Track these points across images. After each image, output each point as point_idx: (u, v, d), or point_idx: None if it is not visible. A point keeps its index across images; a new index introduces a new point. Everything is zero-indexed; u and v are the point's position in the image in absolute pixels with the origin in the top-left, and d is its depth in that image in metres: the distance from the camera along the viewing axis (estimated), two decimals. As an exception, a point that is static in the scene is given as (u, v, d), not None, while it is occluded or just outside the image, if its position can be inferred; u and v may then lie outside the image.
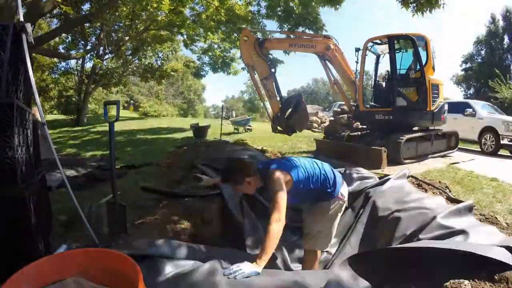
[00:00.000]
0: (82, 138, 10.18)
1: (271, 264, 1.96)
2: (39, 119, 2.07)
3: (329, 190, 2.28)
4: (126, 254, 1.21)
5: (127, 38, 12.63)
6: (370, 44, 6.95)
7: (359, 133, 7.58)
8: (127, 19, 11.92)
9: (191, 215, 3.16)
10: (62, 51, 13.20)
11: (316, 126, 14.33)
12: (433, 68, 6.37)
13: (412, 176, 4.59)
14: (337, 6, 6.98)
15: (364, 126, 7.61)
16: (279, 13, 8.23)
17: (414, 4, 6.21)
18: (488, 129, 8.16)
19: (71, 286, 1.16)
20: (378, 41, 6.91)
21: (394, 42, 6.53)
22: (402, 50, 6.83)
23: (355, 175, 3.99)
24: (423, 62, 6.25)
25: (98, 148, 8.01)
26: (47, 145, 2.23)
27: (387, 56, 6.62)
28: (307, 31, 7.89)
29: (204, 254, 1.87)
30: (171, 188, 4.13)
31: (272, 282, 1.60)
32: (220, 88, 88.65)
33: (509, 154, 8.16)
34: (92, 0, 10.49)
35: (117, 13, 10.68)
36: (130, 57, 15.55)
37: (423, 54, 6.34)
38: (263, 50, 6.47)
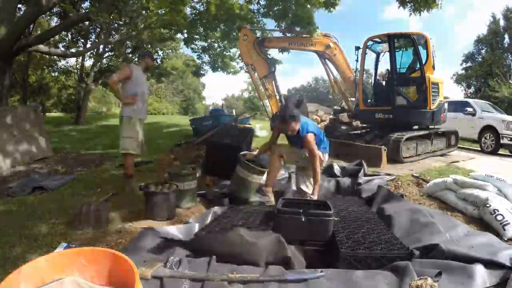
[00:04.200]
0: (82, 136, 10.17)
1: None
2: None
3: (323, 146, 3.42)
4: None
5: (126, 36, 12.59)
6: (370, 42, 6.94)
7: (359, 131, 7.59)
8: (127, 17, 11.89)
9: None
10: (62, 49, 13.19)
11: (316, 124, 14.33)
12: (433, 67, 6.36)
13: (412, 176, 4.61)
14: (331, 9, 6.99)
15: (364, 125, 7.61)
16: (276, 12, 8.22)
17: (412, 4, 6.22)
18: (488, 128, 8.16)
19: (68, 285, 1.16)
20: (378, 40, 6.90)
21: (394, 40, 6.53)
22: (402, 49, 6.83)
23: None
24: (423, 61, 6.24)
25: (99, 146, 8.01)
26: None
27: (387, 54, 6.62)
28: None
29: None
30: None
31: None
32: (220, 87, 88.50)
33: (509, 153, 8.16)
34: (92, -2, 10.46)
35: (116, 11, 10.64)
36: (130, 55, 15.52)
37: (423, 53, 6.33)
38: (262, 49, 6.45)
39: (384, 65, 7.16)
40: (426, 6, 6.29)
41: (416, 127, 6.62)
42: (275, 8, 8.19)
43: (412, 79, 6.36)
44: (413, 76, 6.40)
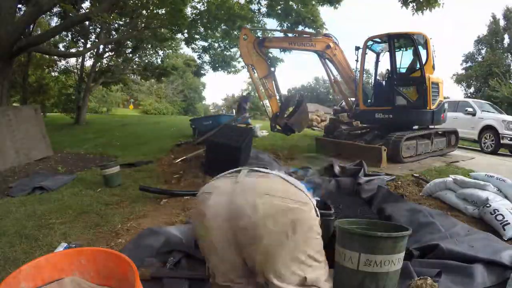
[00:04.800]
0: (82, 136, 10.18)
1: None
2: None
3: None
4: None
5: (126, 36, 12.59)
6: (370, 42, 6.94)
7: (359, 131, 7.59)
8: (127, 16, 11.89)
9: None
10: (62, 49, 13.20)
11: (316, 124, 14.37)
12: (433, 67, 6.36)
13: (413, 176, 4.61)
14: (337, 5, 6.98)
15: (364, 125, 7.61)
16: (279, 11, 8.24)
17: (414, 4, 6.24)
18: (488, 128, 8.15)
19: (68, 285, 1.17)
20: (378, 40, 6.90)
21: (394, 40, 6.52)
22: (402, 49, 6.82)
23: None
24: (423, 61, 6.25)
25: (99, 146, 8.02)
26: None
27: (387, 54, 6.61)
28: (306, 29, 7.92)
29: None
30: (170, 186, 4.15)
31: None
32: (220, 86, 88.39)
33: (508, 153, 8.16)
34: (92, -2, 10.45)
35: (116, 11, 10.64)
36: (130, 55, 15.52)
37: (423, 53, 6.33)
38: (262, 49, 6.45)
39: (384, 65, 7.16)
40: (428, 5, 6.32)
41: (416, 127, 6.61)
42: (278, 8, 8.22)
43: (412, 79, 6.36)
44: (413, 76, 6.40)
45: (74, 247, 2.18)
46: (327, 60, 6.99)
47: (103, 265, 1.22)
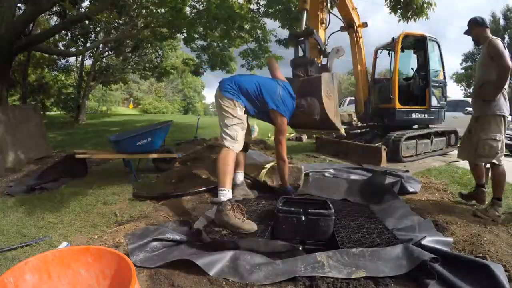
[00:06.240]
0: (82, 135, 10.18)
1: None
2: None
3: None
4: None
5: (126, 35, 12.58)
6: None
7: (359, 130, 7.59)
8: (127, 15, 11.88)
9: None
10: (62, 48, 13.18)
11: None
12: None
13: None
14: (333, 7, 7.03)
15: (364, 124, 7.58)
16: (279, 10, 8.27)
17: (401, 11, 6.47)
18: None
19: None
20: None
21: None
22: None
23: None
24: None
25: (98, 145, 8.02)
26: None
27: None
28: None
29: None
30: (170, 186, 4.14)
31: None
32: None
33: (508, 153, 8.16)
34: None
35: (116, 10, 10.62)
36: (130, 54, 15.51)
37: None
38: None
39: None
40: (414, 15, 6.58)
41: (416, 126, 6.62)
42: (278, 7, 8.26)
43: (439, 81, 6.73)
44: (439, 78, 6.77)
45: (76, 246, 2.19)
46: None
47: (108, 265, 1.22)
